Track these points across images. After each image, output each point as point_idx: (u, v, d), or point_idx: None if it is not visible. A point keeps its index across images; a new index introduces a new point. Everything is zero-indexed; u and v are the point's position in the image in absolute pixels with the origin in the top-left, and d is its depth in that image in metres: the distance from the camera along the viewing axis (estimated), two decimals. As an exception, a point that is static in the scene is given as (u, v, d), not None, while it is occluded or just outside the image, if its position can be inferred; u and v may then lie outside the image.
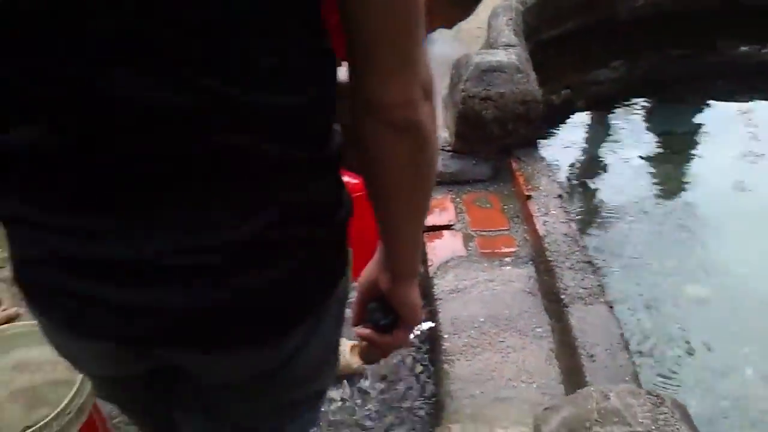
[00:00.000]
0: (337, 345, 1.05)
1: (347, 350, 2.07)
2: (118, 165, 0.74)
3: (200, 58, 0.69)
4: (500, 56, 2.75)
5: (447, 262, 2.30)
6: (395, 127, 0.80)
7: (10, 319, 2.47)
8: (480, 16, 2.40)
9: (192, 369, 0.93)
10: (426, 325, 2.13)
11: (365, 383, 2.15)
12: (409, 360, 2.24)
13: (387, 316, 1.04)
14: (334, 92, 0.82)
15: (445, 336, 2.01)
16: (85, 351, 0.93)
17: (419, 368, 2.21)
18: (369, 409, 2.08)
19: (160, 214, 0.76)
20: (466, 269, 2.26)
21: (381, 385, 2.15)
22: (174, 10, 0.66)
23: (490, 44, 3.09)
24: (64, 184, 0.76)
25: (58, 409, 1.53)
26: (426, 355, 2.25)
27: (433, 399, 2.10)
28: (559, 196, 2.50)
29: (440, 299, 2.15)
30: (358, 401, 2.12)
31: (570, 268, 2.15)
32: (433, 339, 2.17)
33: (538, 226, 2.35)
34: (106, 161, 0.73)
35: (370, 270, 1.02)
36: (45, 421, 1.51)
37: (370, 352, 1.09)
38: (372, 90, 0.79)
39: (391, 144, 0.82)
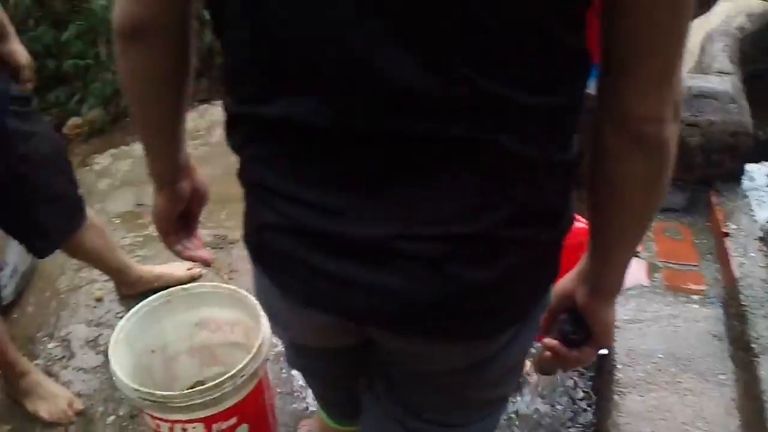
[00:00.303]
0: (528, 351, 1.02)
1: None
2: (366, 145, 0.75)
3: (467, 50, 0.69)
4: (714, 83, 2.59)
5: (628, 289, 2.19)
6: (643, 143, 0.77)
7: (193, 279, 2.63)
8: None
9: (395, 351, 0.93)
10: (601, 351, 2.04)
11: (523, 398, 2.11)
12: (570, 383, 2.17)
13: (577, 331, 1.00)
14: (584, 96, 0.79)
15: (619, 366, 1.91)
16: (304, 320, 0.96)
17: (580, 394, 2.14)
18: (521, 426, 2.04)
19: (395, 198, 0.77)
20: (648, 300, 2.14)
21: (538, 403, 2.09)
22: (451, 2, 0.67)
23: (701, 69, 2.92)
24: (315, 159, 0.79)
25: (234, 371, 1.60)
26: (590, 382, 2.17)
27: (592, 429, 2.01)
28: (761, 238, 2.32)
29: (618, 327, 2.05)
30: (512, 415, 2.08)
31: (765, 317, 1.98)
32: (602, 367, 2.08)
33: (733, 267, 2.18)
34: (357, 140, 0.75)
35: (568, 280, 0.99)
36: (221, 379, 1.58)
37: (550, 363, 1.05)
38: (626, 102, 0.75)
39: (634, 160, 0.78)
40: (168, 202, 1.08)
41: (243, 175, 0.91)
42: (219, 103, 3.99)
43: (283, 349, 1.29)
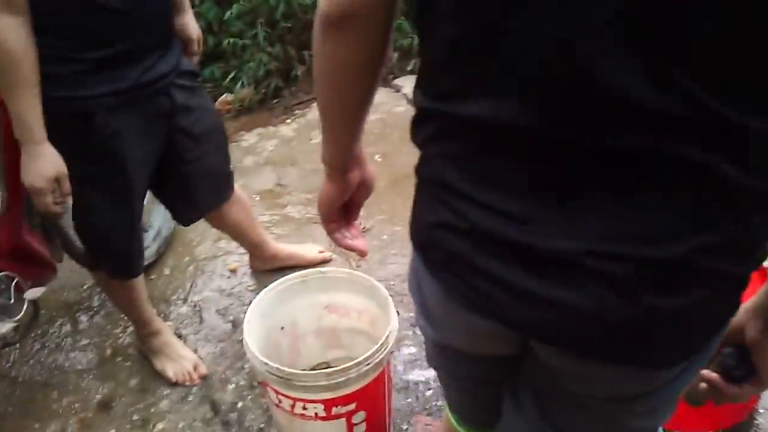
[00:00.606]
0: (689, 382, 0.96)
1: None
2: (563, 154, 0.72)
3: (700, 67, 0.64)
4: None
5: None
6: None
7: (323, 262, 2.67)
8: None
9: (558, 369, 0.90)
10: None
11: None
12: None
13: (740, 366, 0.93)
14: None
15: (761, 411, 1.79)
16: (464, 323, 0.93)
17: None
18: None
19: (587, 212, 0.73)
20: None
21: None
22: (683, 14, 0.63)
23: None
24: (505, 163, 0.76)
25: (361, 358, 1.60)
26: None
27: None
28: None
29: None
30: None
31: None
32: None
33: None
34: (558, 147, 0.72)
35: (740, 313, 0.91)
36: (347, 365, 1.59)
37: (702, 395, 0.99)
38: None
39: None
40: (336, 191, 1.08)
41: (422, 170, 0.90)
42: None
43: (423, 344, 1.26)
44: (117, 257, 2.08)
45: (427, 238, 0.90)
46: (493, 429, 1.22)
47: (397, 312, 1.77)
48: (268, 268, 2.69)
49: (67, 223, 2.35)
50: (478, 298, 0.84)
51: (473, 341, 0.99)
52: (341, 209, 1.13)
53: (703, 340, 0.82)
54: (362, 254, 1.17)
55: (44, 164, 1.68)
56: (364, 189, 1.12)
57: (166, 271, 2.85)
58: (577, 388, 0.91)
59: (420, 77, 0.86)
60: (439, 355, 1.16)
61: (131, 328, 2.49)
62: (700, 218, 0.71)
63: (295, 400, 1.67)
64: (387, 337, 1.67)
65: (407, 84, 4.04)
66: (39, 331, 2.57)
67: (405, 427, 2.03)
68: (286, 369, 1.59)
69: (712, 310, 0.78)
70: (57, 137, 1.70)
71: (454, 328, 0.98)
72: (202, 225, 2.54)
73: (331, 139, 1.03)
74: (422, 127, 0.87)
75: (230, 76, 4.17)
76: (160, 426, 2.14)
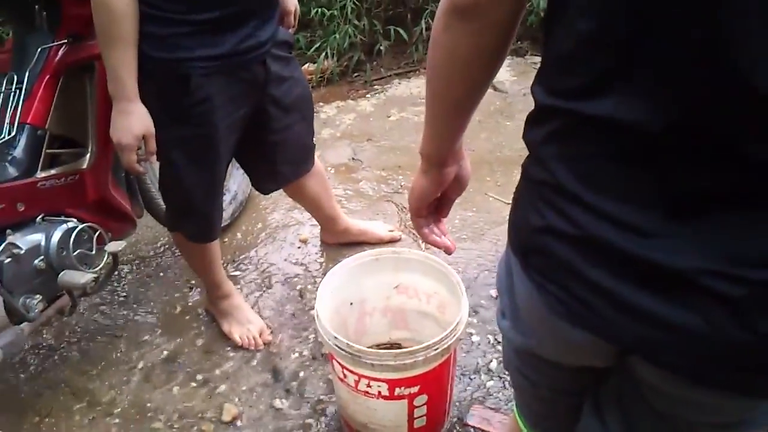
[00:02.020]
0: None
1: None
2: (703, 165, 0.67)
3: None
4: None
5: None
6: None
7: (393, 241, 2.67)
8: None
9: (656, 390, 0.87)
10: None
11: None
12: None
13: None
14: None
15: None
16: (560, 334, 0.89)
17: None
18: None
19: (718, 230, 0.69)
20: None
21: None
22: None
23: None
24: (630, 169, 0.72)
25: (430, 342, 1.60)
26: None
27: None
28: None
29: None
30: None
31: None
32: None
33: None
34: (694, 157, 0.67)
35: None
36: (415, 348, 1.59)
37: None
38: None
39: None
40: (430, 185, 1.07)
41: (533, 170, 0.85)
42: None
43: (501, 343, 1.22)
44: (197, 220, 2.12)
45: (531, 242, 0.86)
46: None
47: (468, 299, 1.76)
48: (338, 242, 2.71)
49: (150, 181, 2.42)
50: (582, 310, 0.80)
51: (564, 352, 0.95)
52: (432, 204, 1.12)
53: None
54: (448, 252, 1.16)
55: (133, 121, 1.72)
56: (457, 185, 1.10)
57: (239, 235, 2.90)
58: (672, 410, 0.87)
59: (543, 73, 0.82)
60: (519, 360, 1.12)
61: (201, 288, 2.54)
62: None
63: (360, 376, 1.68)
64: (457, 323, 1.66)
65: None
66: (114, 283, 2.65)
67: (464, 414, 2.02)
68: (356, 345, 1.60)
69: None
70: (150, 97, 1.73)
71: (546, 336, 0.94)
72: (276, 193, 2.57)
73: (435, 132, 1.00)
74: (539, 126, 0.83)
75: (315, 46, 4.18)
76: (222, 387, 2.19)
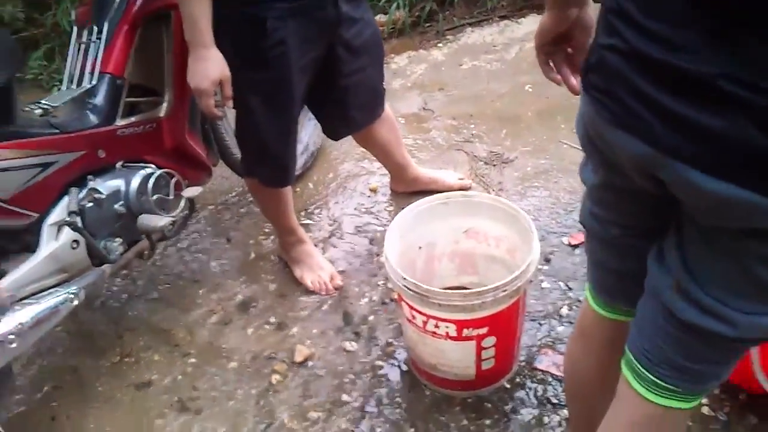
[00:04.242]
0: None
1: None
2: None
3: None
4: None
5: None
6: None
7: (462, 188, 2.66)
8: None
9: (694, 203, 0.92)
10: None
11: None
12: None
13: None
14: None
15: None
16: (616, 140, 0.97)
17: None
18: None
19: (737, 43, 0.77)
20: None
21: None
22: None
23: None
24: None
25: (498, 284, 1.61)
26: None
27: None
28: None
29: None
30: None
31: None
32: None
33: None
34: None
35: None
36: (484, 288, 1.60)
37: None
38: None
39: None
40: (552, 22, 1.17)
41: (606, 2, 0.94)
42: (519, 20, 3.95)
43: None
44: (273, 165, 2.15)
45: (593, 59, 0.96)
46: (627, 308, 1.24)
47: (537, 243, 1.75)
48: (407, 190, 2.71)
49: (225, 131, 2.47)
50: (626, 114, 0.89)
51: (618, 166, 1.02)
52: (562, 51, 1.23)
53: None
54: (573, 90, 1.21)
55: (210, 67, 1.76)
56: (582, 29, 1.20)
57: (310, 185, 2.93)
58: (713, 221, 0.92)
59: None
60: (591, 201, 1.21)
61: (274, 236, 2.60)
62: None
63: (428, 317, 1.70)
64: (528, 265, 1.65)
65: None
66: (190, 230, 2.73)
67: (533, 358, 2.03)
68: (424, 285, 1.62)
69: None
70: (226, 42, 1.76)
71: (610, 145, 1.01)
72: (346, 144, 2.59)
73: None
74: None
75: (386, -3, 4.15)
76: (294, 329, 2.25)
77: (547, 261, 2.34)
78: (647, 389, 1.09)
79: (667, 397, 1.08)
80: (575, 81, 1.22)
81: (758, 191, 0.80)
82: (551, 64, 1.25)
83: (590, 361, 1.42)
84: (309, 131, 2.92)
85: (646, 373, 1.08)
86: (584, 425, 1.52)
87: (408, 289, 1.65)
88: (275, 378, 2.10)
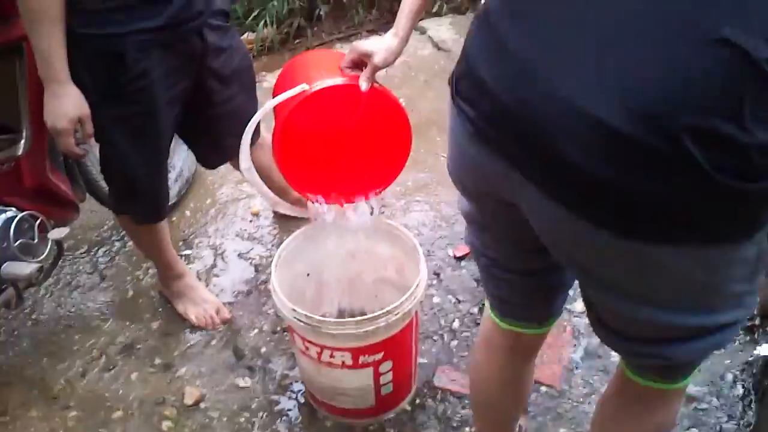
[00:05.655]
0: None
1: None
2: None
3: None
4: None
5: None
6: None
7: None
8: None
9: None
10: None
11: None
12: (729, 377, 2.01)
13: None
14: None
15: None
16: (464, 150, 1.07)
17: (740, 390, 1.98)
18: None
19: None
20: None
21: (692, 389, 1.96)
22: None
23: None
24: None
25: (390, 308, 1.60)
26: (751, 379, 2.00)
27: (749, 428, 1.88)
28: None
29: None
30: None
31: None
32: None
33: None
34: None
35: None
36: (375, 314, 1.60)
37: None
38: None
39: None
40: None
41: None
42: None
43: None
44: (143, 201, 2.04)
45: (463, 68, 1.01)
46: (522, 322, 1.31)
47: (425, 261, 1.74)
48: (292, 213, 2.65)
49: (91, 163, 2.33)
50: (482, 123, 0.95)
51: (478, 179, 1.09)
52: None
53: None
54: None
55: (67, 105, 1.64)
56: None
57: (187, 213, 2.83)
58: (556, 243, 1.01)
59: None
60: (469, 230, 1.28)
61: (153, 270, 2.48)
62: None
63: (322, 347, 1.65)
64: (417, 286, 1.64)
65: (433, 26, 3.94)
66: (60, 272, 2.56)
67: (430, 376, 2.01)
68: (315, 317, 1.58)
69: None
70: (84, 76, 1.65)
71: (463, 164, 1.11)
72: (223, 167, 2.49)
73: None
74: None
75: (253, 14, 4.08)
76: (182, 370, 2.14)
77: (436, 275, 2.34)
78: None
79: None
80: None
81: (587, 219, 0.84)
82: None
83: (493, 369, 1.44)
84: (182, 156, 2.81)
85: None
86: None
87: (299, 321, 1.60)
88: (166, 425, 1.99)
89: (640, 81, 0.75)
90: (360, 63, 1.48)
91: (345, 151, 1.61)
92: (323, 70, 1.53)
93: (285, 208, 1.84)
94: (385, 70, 1.46)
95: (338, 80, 1.48)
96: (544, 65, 0.83)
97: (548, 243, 1.00)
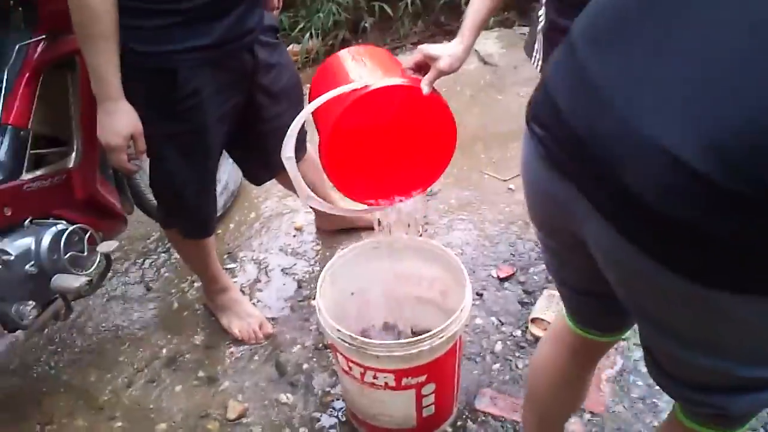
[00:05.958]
0: None
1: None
2: None
3: None
4: None
5: None
6: None
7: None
8: None
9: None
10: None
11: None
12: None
13: None
14: None
15: None
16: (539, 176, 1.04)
17: None
18: None
19: None
20: None
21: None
22: None
23: None
24: None
25: (435, 331, 1.58)
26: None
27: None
28: None
29: None
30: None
31: None
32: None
33: None
34: None
35: None
36: (421, 337, 1.56)
37: None
38: None
39: None
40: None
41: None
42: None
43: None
44: (191, 217, 2.07)
45: (540, 95, 0.99)
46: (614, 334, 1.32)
47: (471, 283, 1.73)
48: (333, 228, 2.66)
49: (139, 176, 2.36)
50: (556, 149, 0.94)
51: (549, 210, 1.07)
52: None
53: None
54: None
55: (120, 121, 1.66)
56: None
57: (232, 226, 2.85)
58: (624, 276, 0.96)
59: None
60: (543, 248, 1.25)
61: (198, 283, 2.50)
62: None
63: (365, 368, 1.64)
64: (462, 310, 1.62)
65: (479, 40, 3.89)
66: (107, 282, 2.60)
67: (471, 399, 1.99)
68: (360, 338, 1.57)
69: None
70: (136, 93, 1.67)
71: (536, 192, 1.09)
72: (268, 182, 2.51)
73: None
74: None
75: (299, 27, 4.11)
76: (225, 384, 2.15)
77: (479, 296, 2.32)
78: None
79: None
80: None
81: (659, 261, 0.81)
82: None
83: (558, 364, 1.43)
84: (228, 170, 2.84)
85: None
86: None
87: (344, 341, 1.59)
88: (208, 438, 2.00)
89: (727, 123, 0.72)
90: (424, 66, 1.47)
91: (388, 153, 1.58)
92: (366, 71, 1.52)
93: (317, 204, 1.84)
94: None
95: (398, 80, 1.46)
96: (623, 98, 0.81)
97: (610, 278, 0.97)
